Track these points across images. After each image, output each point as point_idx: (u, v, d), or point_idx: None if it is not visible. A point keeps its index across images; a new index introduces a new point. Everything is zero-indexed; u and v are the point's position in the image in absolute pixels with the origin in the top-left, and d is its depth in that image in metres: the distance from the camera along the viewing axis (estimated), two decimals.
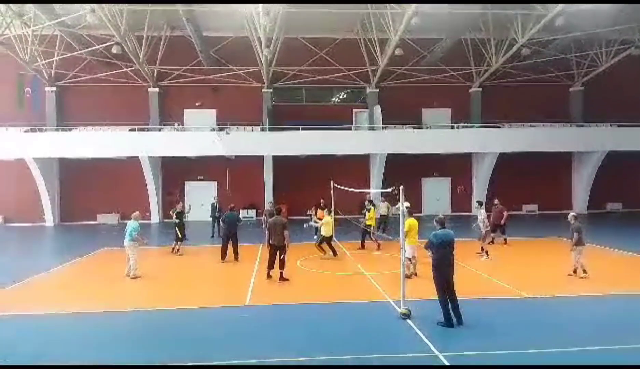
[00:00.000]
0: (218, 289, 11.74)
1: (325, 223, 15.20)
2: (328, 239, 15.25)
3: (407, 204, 20.09)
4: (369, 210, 17.09)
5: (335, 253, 15.31)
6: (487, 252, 14.91)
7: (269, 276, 12.14)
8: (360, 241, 17.20)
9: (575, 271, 11.99)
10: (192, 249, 17.48)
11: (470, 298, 9.56)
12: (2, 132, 26.67)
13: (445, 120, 30.16)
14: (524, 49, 26.14)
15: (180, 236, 16.58)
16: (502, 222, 17.16)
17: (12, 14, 23.98)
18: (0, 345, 7.80)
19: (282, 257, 12.05)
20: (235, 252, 14.91)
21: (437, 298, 8.53)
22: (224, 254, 14.79)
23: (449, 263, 8.46)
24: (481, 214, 15.59)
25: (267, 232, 12.43)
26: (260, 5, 20.84)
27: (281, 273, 12.02)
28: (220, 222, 16.71)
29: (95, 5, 20.91)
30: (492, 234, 17.00)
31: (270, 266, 12.16)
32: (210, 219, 20.92)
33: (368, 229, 16.86)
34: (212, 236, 20.28)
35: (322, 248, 15.35)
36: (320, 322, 8.89)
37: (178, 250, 16.50)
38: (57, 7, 24.01)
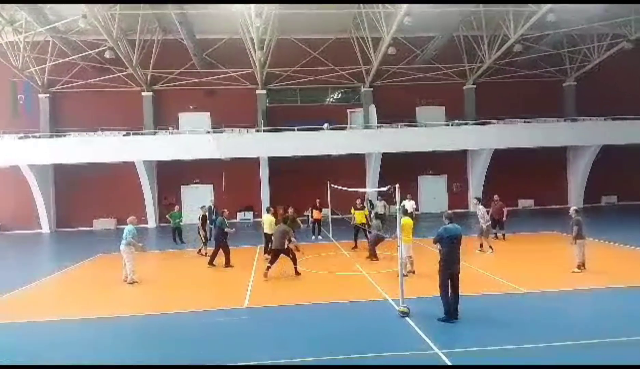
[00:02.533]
0: (216, 292, 11.71)
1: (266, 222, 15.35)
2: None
3: (412, 202, 20.17)
4: (359, 209, 16.97)
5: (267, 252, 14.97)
6: (490, 246, 15.10)
7: (267, 269, 12.38)
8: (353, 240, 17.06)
9: (582, 265, 11.85)
10: (189, 252, 17.45)
11: (469, 294, 9.58)
12: None
13: (440, 118, 30.23)
14: (516, 46, 26.26)
15: (203, 238, 16.62)
16: (504, 217, 17.44)
17: (3, 21, 23.88)
18: (0, 352, 7.78)
19: (290, 256, 12.56)
20: (212, 257, 14.53)
21: (434, 295, 8.54)
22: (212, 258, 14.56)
23: (456, 257, 8.51)
24: (480, 210, 15.69)
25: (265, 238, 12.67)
26: (252, 7, 20.82)
27: (295, 268, 12.52)
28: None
29: (86, 10, 20.85)
30: (493, 230, 17.19)
31: (271, 263, 12.49)
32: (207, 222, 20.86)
33: (363, 228, 16.71)
34: (210, 239, 20.19)
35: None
36: (319, 322, 8.89)
37: (206, 253, 16.31)
38: (49, 13, 23.95)
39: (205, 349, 7.65)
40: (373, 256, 14.36)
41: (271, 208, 17.56)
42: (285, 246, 12.50)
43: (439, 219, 8.98)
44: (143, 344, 8.18)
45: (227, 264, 14.26)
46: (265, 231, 15.27)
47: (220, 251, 14.39)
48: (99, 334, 8.69)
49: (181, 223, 20.10)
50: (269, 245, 14.32)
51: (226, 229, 14.48)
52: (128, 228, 12.64)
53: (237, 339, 8.10)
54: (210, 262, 14.44)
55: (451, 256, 8.48)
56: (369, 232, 16.87)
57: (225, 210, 15.88)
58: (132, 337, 8.60)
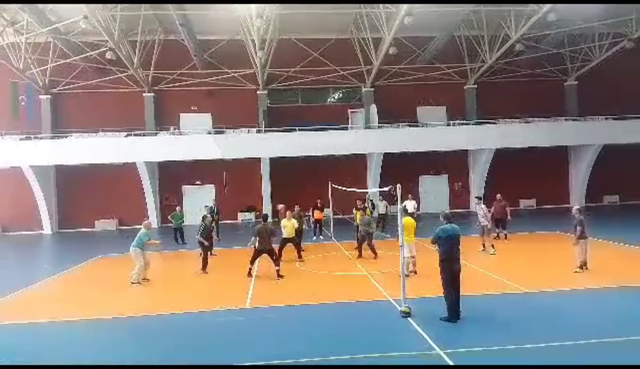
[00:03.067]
0: (218, 293, 11.72)
1: (285, 226, 14.43)
2: (287, 241, 14.44)
3: (413, 202, 20.03)
4: (359, 210, 16.60)
5: (279, 258, 13.71)
6: (492, 245, 14.97)
7: (249, 274, 12.58)
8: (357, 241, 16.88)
9: (584, 265, 11.82)
10: (191, 253, 17.46)
11: (471, 294, 9.57)
12: None
13: (441, 117, 30.20)
14: (517, 45, 26.22)
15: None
16: (509, 217, 17.29)
17: (4, 22, 23.92)
18: (2, 352, 7.78)
19: (274, 258, 12.62)
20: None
21: (435, 295, 8.53)
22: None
23: (455, 257, 8.49)
24: (482, 209, 15.58)
25: (255, 238, 12.71)
26: (253, 8, 20.83)
27: (277, 271, 12.48)
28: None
29: (87, 11, 20.87)
30: (496, 230, 17.08)
31: (252, 263, 12.69)
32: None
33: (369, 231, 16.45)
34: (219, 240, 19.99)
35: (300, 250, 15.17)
36: (320, 322, 8.89)
37: (212, 253, 15.70)
38: (50, 14, 23.99)
39: (207, 350, 7.65)
40: (373, 253, 14.48)
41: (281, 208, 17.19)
42: (272, 247, 12.63)
43: (439, 219, 8.98)
44: (144, 344, 8.18)
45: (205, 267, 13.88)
46: (284, 236, 14.39)
47: (204, 254, 14.02)
48: (101, 335, 8.71)
49: (183, 224, 20.13)
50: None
51: (197, 236, 14.06)
52: (142, 232, 12.67)
53: (238, 339, 8.10)
54: (204, 268, 13.88)
55: (450, 256, 8.47)
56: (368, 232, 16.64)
57: (208, 215, 15.38)
58: (134, 337, 8.61)
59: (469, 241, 16.06)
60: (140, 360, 7.25)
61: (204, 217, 15.43)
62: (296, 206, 17.29)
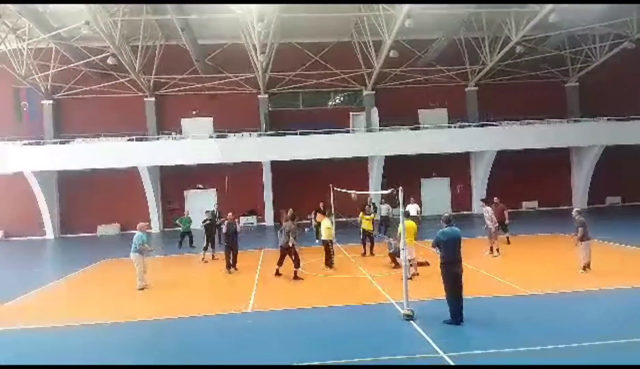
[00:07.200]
0: (220, 297, 11.72)
1: (327, 227, 14.24)
2: (326, 243, 14.33)
3: (415, 206, 19.86)
4: (369, 213, 16.38)
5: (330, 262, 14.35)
6: (497, 249, 14.84)
7: (277, 274, 13.06)
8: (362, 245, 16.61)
9: (587, 266, 11.80)
10: (193, 257, 17.47)
11: (474, 296, 9.55)
12: (0, 146, 26.65)
13: (442, 120, 30.21)
14: (518, 47, 26.23)
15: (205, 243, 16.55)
16: (507, 220, 16.84)
17: (6, 28, 24.04)
18: (8, 359, 7.78)
19: (293, 258, 12.89)
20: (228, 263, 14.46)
21: (437, 297, 8.51)
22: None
23: (456, 260, 8.47)
24: (487, 211, 15.38)
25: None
26: (254, 12, 20.88)
27: (295, 272, 12.72)
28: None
29: (87, 13, 20.92)
30: (505, 233, 16.85)
31: (279, 264, 13.14)
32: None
33: (369, 234, 16.16)
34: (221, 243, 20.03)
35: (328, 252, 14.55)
36: (323, 326, 8.87)
37: (213, 256, 16.42)
38: (52, 20, 24.08)
39: (208, 354, 7.64)
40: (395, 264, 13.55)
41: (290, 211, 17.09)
42: (290, 245, 12.76)
43: (440, 222, 8.97)
44: (146, 349, 8.19)
45: (228, 266, 14.22)
46: (323, 238, 14.33)
47: (232, 254, 14.35)
48: (100, 338, 8.72)
49: (190, 228, 20.14)
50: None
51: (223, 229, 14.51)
52: (137, 235, 12.55)
53: (240, 343, 8.09)
54: (228, 267, 14.24)
55: (451, 259, 8.46)
56: (372, 236, 16.45)
57: (230, 213, 15.37)
58: (136, 342, 8.58)
59: (472, 243, 16.07)
60: (142, 363, 7.25)
61: (206, 221, 15.60)
62: (290, 209, 17.26)
